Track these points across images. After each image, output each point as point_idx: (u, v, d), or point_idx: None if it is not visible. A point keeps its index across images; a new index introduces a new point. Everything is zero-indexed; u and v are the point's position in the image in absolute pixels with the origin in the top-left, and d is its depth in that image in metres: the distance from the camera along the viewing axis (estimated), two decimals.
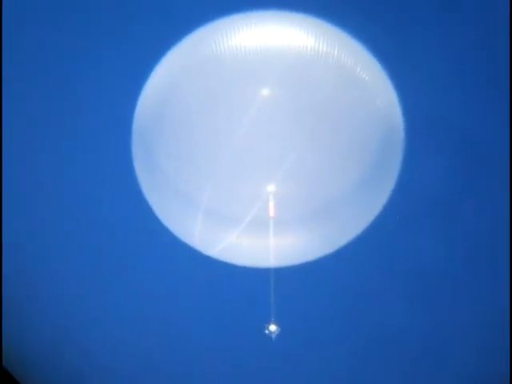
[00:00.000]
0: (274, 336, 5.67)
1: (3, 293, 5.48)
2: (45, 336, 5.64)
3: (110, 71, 5.73)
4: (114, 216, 5.93)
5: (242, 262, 6.03)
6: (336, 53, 5.57)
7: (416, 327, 6.10)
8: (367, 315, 6.19)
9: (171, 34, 5.38)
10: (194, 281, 6.07)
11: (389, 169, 5.83)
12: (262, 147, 5.58)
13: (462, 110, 5.97)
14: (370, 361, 6.15)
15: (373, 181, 5.78)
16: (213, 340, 6.18)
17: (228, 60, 5.52)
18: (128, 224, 5.94)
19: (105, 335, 5.70)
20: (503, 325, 5.91)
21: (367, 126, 5.67)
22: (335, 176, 5.70)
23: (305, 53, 5.56)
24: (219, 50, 5.54)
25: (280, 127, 5.53)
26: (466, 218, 6.13)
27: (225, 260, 5.95)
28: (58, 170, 5.79)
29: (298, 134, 5.54)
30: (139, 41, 5.67)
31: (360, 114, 5.63)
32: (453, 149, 6.11)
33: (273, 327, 5.67)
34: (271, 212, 5.73)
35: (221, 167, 5.65)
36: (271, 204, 5.73)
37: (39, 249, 5.58)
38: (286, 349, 5.99)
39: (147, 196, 5.88)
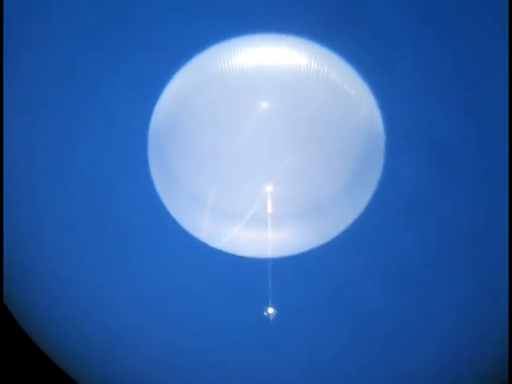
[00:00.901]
0: (271, 317, 6.14)
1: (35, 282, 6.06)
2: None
3: (130, 86, 6.26)
4: (132, 213, 6.44)
5: (244, 253, 6.51)
6: (326, 70, 6.12)
7: (393, 309, 6.57)
8: (352, 299, 6.64)
9: (183, 54, 5.95)
10: (201, 269, 6.57)
11: (371, 171, 6.33)
12: (260, 153, 6.10)
13: (436, 119, 6.47)
14: (354, 337, 6.63)
15: (357, 182, 6.29)
16: (217, 320, 6.63)
17: (232, 77, 6.07)
18: (145, 220, 6.44)
19: (126, 312, 6.24)
20: (469, 308, 6.45)
21: (353, 134, 6.18)
22: (325, 178, 6.19)
23: (298, 70, 6.11)
24: (224, 68, 6.09)
25: (277, 135, 6.05)
26: (439, 214, 6.61)
27: (229, 251, 6.45)
28: (84, 172, 6.28)
29: (293, 141, 6.06)
30: (155, 61, 6.20)
31: (346, 123, 6.15)
32: (427, 153, 6.58)
33: (271, 310, 6.16)
34: (269, 209, 6.23)
35: (225, 170, 6.18)
36: (269, 202, 6.24)
37: (69, 241, 6.11)
38: (282, 328, 6.37)
39: (161, 196, 6.39)
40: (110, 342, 6.20)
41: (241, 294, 6.66)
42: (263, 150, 6.09)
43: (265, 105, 6.07)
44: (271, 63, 6.09)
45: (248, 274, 6.47)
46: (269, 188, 6.21)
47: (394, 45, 6.35)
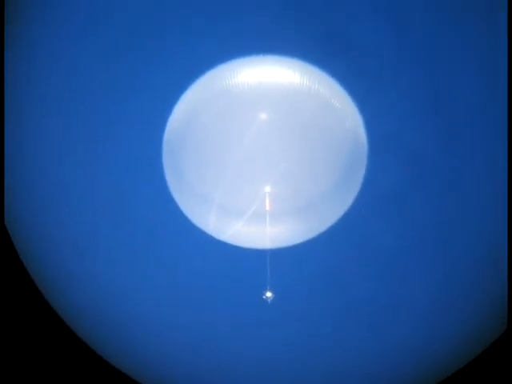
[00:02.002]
0: (269, 300, 6.55)
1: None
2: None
3: (147, 100, 6.72)
4: (149, 211, 6.89)
5: (246, 245, 6.93)
6: (316, 87, 6.55)
7: (376, 293, 6.93)
8: (340, 284, 7.00)
9: (193, 73, 6.42)
10: (209, 258, 6.97)
11: (356, 174, 6.76)
12: (260, 158, 6.54)
13: (411, 129, 6.85)
14: (342, 318, 6.99)
15: (343, 184, 6.73)
16: (222, 302, 7.02)
17: (235, 92, 6.49)
18: (160, 217, 6.89)
19: (146, 295, 6.75)
20: (440, 291, 6.83)
21: (339, 142, 6.64)
22: (315, 180, 6.66)
23: (293, 87, 6.53)
24: (228, 85, 6.52)
25: (274, 142, 6.51)
26: (413, 211, 6.97)
27: (232, 243, 6.88)
28: (107, 176, 6.73)
29: (288, 148, 6.53)
30: (169, 78, 6.68)
31: (334, 132, 6.60)
32: (404, 159, 6.95)
33: (269, 293, 6.56)
34: (267, 207, 6.67)
35: (229, 173, 6.60)
36: (267, 201, 6.68)
37: (95, 236, 6.60)
38: (278, 309, 6.68)
39: (174, 196, 6.80)
40: (131, 322, 6.70)
41: (243, 280, 7.07)
42: (262, 155, 6.54)
43: (263, 116, 6.52)
44: (269, 81, 6.53)
45: (249, 262, 6.91)
46: (267, 188, 6.66)
47: (375, 65, 6.77)
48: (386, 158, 6.86)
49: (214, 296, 7.00)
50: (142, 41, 6.60)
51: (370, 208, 6.92)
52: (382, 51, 6.70)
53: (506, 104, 6.63)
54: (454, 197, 6.95)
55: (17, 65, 6.56)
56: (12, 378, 6.28)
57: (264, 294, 6.60)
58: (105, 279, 6.83)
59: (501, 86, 6.73)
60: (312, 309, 7.02)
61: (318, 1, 6.59)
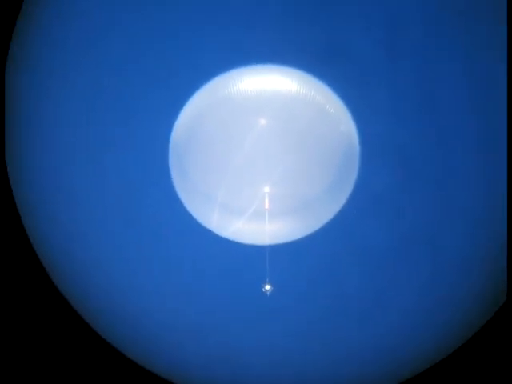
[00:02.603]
0: (268, 293, 6.76)
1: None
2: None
3: (155, 107, 6.98)
4: (156, 209, 7.11)
5: (246, 241, 7.11)
6: (312, 94, 6.74)
7: (366, 287, 7.14)
8: (333, 277, 7.21)
9: (198, 81, 6.68)
10: (212, 253, 7.18)
11: (348, 176, 6.93)
12: (260, 160, 6.74)
13: (401, 134, 7.06)
14: (335, 308, 7.16)
15: (337, 184, 6.90)
16: (224, 294, 7.23)
17: (236, 99, 6.69)
18: (166, 214, 7.10)
19: (153, 286, 7.00)
20: (426, 286, 7.04)
21: (334, 145, 6.81)
22: (311, 181, 6.84)
23: (290, 94, 6.72)
24: (230, 92, 6.71)
25: (273, 146, 6.71)
26: (402, 210, 7.15)
27: (234, 239, 7.08)
28: (118, 177, 6.99)
29: (286, 151, 6.72)
30: (176, 86, 6.89)
31: (328, 137, 6.78)
32: (394, 161, 7.13)
33: (267, 286, 6.76)
34: (266, 206, 6.86)
35: (231, 174, 6.78)
36: (266, 200, 6.86)
37: (108, 232, 6.88)
38: (276, 301, 6.89)
39: (180, 195, 6.99)
40: (139, 313, 6.96)
41: (244, 274, 7.26)
42: (262, 158, 6.74)
43: (263, 121, 6.70)
44: (268, 88, 6.72)
45: (249, 257, 7.12)
46: (266, 189, 6.84)
47: (367, 74, 7.00)
48: (377, 160, 7.09)
49: (216, 289, 7.25)
50: (152, 52, 6.84)
51: (362, 207, 7.14)
52: (373, 61, 6.94)
53: (494, 107, 6.91)
54: (441, 198, 7.17)
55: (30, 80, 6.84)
56: (22, 369, 6.64)
57: (263, 287, 6.77)
58: (114, 272, 7.12)
59: (486, 92, 7.01)
60: (308, 300, 7.26)
61: (314, 16, 6.79)
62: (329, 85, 6.81)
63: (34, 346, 6.74)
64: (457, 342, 6.90)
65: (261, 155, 6.77)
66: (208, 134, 6.80)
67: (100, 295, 7.03)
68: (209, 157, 6.83)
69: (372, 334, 7.19)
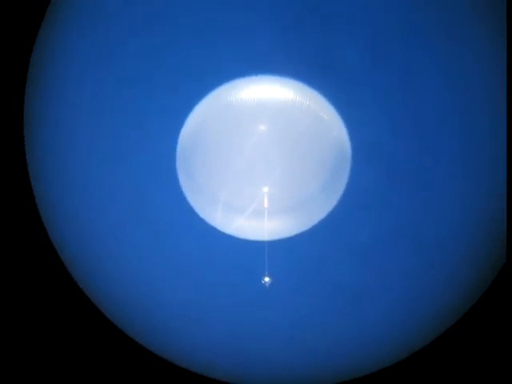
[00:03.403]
0: (267, 284, 7.04)
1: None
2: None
3: (164, 114, 7.23)
4: (165, 208, 7.40)
5: (247, 237, 7.35)
6: (307, 102, 7.00)
7: (357, 278, 7.47)
8: (327, 270, 7.49)
9: (203, 90, 7.05)
10: (216, 247, 7.47)
11: (340, 177, 7.21)
12: (259, 163, 7.01)
13: (389, 138, 7.32)
14: (330, 299, 7.46)
15: (330, 185, 7.17)
16: (226, 285, 7.52)
17: (237, 107, 6.95)
18: (174, 212, 7.38)
19: (163, 279, 7.36)
20: (411, 276, 7.39)
21: (327, 149, 7.08)
22: (306, 182, 7.11)
23: (287, 102, 6.98)
24: (232, 101, 6.96)
25: (271, 150, 6.98)
26: (390, 208, 7.43)
27: (236, 235, 7.34)
28: (130, 179, 7.30)
29: (283, 155, 6.99)
30: (182, 96, 7.18)
31: (322, 141, 7.04)
32: (382, 164, 7.38)
33: (267, 279, 7.03)
34: (265, 204, 7.12)
35: (233, 176, 7.05)
36: (265, 199, 7.12)
37: (120, 230, 7.25)
38: (275, 292, 7.21)
39: (186, 195, 7.26)
40: (150, 300, 7.39)
41: (245, 267, 7.53)
42: (261, 161, 7.01)
43: (262, 128, 6.97)
44: (267, 97, 6.97)
45: (250, 252, 7.40)
46: (265, 189, 7.11)
47: (357, 84, 7.28)
48: (366, 163, 7.39)
49: (220, 280, 7.59)
50: (161, 65, 7.23)
51: (352, 206, 7.47)
52: (362, 73, 7.28)
53: (472, 116, 7.25)
54: (424, 197, 7.51)
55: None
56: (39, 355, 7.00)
57: (263, 279, 7.06)
58: (129, 266, 7.53)
59: (466, 101, 7.34)
60: (303, 291, 7.60)
61: (309, 32, 7.12)
62: (322, 94, 7.11)
63: (50, 336, 7.10)
64: (440, 329, 7.31)
65: (260, 158, 7.03)
66: (212, 139, 7.05)
67: (115, 287, 7.46)
68: (213, 160, 7.10)
69: (362, 320, 7.56)
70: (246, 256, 7.54)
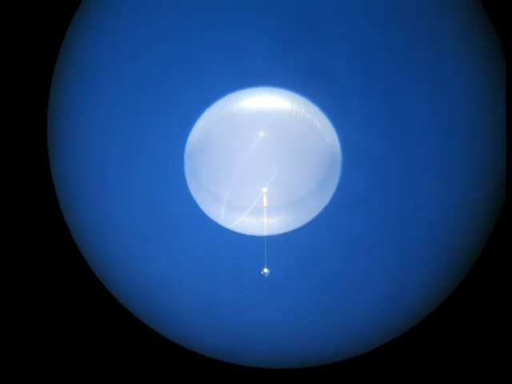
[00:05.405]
0: (266, 275, 7.49)
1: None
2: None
3: (174, 122, 7.68)
4: (174, 206, 7.84)
5: (248, 232, 7.70)
6: (302, 111, 7.38)
7: (349, 269, 7.86)
8: (322, 262, 7.86)
9: (207, 101, 7.52)
10: (219, 242, 7.92)
11: (332, 178, 7.57)
12: (259, 165, 7.38)
13: (376, 143, 7.70)
14: (324, 289, 7.88)
15: (323, 185, 7.54)
16: (228, 276, 7.92)
17: (239, 116, 7.33)
18: (182, 210, 7.84)
19: (169, 270, 7.81)
20: (398, 268, 7.81)
21: (320, 153, 7.45)
22: (301, 183, 7.50)
23: (284, 111, 7.37)
24: (234, 110, 7.34)
25: (270, 154, 7.36)
26: (378, 206, 7.79)
27: (238, 231, 7.71)
28: (141, 180, 7.74)
29: (280, 158, 7.37)
30: (189, 105, 7.62)
31: (315, 146, 7.42)
32: (370, 167, 7.75)
33: (265, 270, 7.47)
34: (265, 203, 7.52)
35: (235, 177, 7.42)
36: (265, 198, 7.51)
37: (133, 227, 7.73)
38: (273, 282, 7.77)
39: (193, 194, 7.65)
40: (158, 291, 7.91)
41: (245, 260, 7.87)
42: (260, 163, 7.40)
43: (261, 134, 7.38)
44: (265, 107, 7.36)
45: (250, 246, 7.84)
46: (264, 189, 7.52)
47: (348, 95, 7.62)
48: (355, 165, 7.80)
49: (223, 272, 8.05)
50: (171, 78, 7.74)
51: (343, 204, 7.91)
52: (353, 84, 7.69)
53: (449, 123, 7.69)
54: (410, 196, 7.93)
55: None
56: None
57: (262, 271, 7.51)
58: (141, 260, 8.01)
59: (448, 109, 7.75)
60: (299, 281, 8.00)
61: (303, 48, 7.57)
62: (316, 104, 7.52)
63: (70, 325, 7.49)
64: (425, 312, 7.75)
65: (260, 162, 7.46)
66: (216, 144, 7.48)
67: (129, 279, 7.97)
68: (217, 163, 7.50)
69: (354, 307, 8.01)
70: (247, 249, 7.95)
